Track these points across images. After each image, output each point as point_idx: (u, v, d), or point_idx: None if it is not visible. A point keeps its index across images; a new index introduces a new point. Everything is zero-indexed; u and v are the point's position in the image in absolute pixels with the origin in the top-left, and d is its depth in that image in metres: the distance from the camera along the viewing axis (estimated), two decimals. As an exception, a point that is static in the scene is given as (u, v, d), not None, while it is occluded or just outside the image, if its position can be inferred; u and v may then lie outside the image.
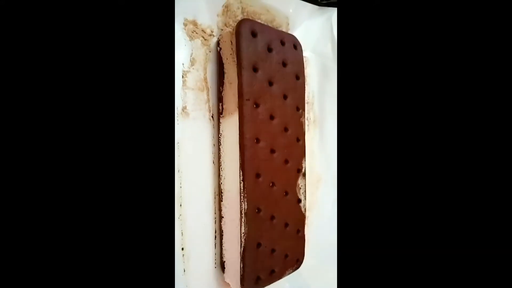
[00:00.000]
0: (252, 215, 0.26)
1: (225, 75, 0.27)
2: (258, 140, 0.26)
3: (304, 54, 0.31)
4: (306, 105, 0.32)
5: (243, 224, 0.25)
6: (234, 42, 0.25)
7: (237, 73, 0.25)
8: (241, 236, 0.25)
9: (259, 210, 0.26)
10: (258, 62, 0.26)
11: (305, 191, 0.31)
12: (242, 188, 0.25)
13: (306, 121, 0.32)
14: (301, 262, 0.31)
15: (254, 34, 0.26)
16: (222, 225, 0.28)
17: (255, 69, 0.26)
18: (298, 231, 0.30)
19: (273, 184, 0.27)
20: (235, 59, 0.25)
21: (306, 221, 0.32)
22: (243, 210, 0.25)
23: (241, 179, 0.25)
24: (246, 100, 0.25)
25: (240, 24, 0.25)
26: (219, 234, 0.28)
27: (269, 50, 0.27)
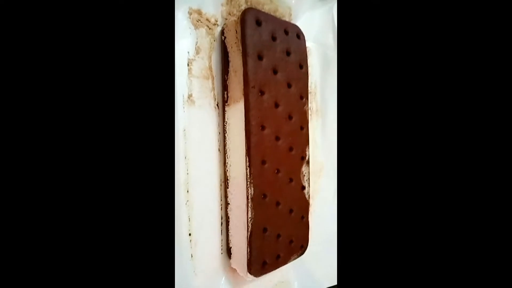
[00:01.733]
0: (258, 201, 0.26)
1: (230, 64, 0.27)
2: (263, 127, 0.26)
3: (306, 44, 0.32)
4: (309, 94, 0.32)
5: (249, 209, 0.26)
6: (239, 30, 0.26)
7: (242, 61, 0.25)
8: (247, 221, 0.26)
9: (265, 196, 0.27)
10: (263, 50, 0.26)
11: (308, 178, 0.31)
12: (248, 174, 0.26)
13: (309, 111, 0.32)
14: (305, 249, 0.32)
15: (258, 23, 0.26)
16: (228, 212, 0.28)
17: (259, 57, 0.26)
18: (302, 217, 0.31)
19: (278, 170, 0.28)
20: (240, 47, 0.26)
21: (310, 209, 0.32)
22: (249, 196, 0.26)
23: (247, 165, 0.26)
24: (252, 87, 0.25)
25: (245, 12, 0.26)
26: (225, 220, 0.28)
27: (273, 39, 0.27)
